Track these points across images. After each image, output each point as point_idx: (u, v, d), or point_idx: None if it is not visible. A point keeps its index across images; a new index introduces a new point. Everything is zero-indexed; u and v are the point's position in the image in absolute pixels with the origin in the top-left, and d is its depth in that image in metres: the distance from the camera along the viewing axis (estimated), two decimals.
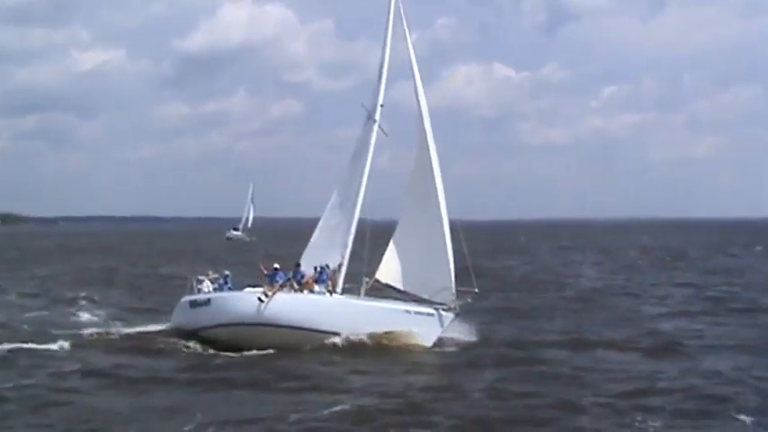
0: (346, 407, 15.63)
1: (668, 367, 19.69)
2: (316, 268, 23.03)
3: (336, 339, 21.48)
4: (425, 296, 22.25)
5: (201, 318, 23.02)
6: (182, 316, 23.85)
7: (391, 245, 24.33)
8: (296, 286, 22.64)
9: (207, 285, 23.98)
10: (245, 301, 22.41)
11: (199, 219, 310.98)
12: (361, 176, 24.61)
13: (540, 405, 16.07)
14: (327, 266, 23.06)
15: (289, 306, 21.91)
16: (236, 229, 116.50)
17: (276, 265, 23.00)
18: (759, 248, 75.37)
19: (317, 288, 22.60)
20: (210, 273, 24.50)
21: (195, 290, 23.85)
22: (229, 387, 17.70)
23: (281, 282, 22.51)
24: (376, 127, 24.99)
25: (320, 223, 26.29)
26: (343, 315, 21.93)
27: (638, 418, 14.80)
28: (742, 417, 15.01)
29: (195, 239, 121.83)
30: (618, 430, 14.40)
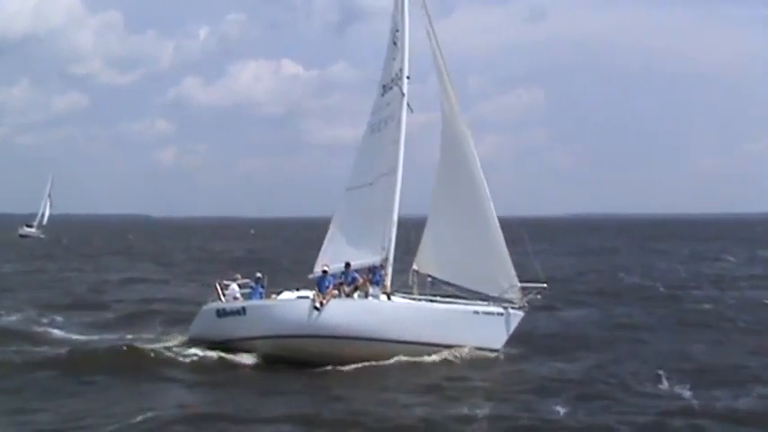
0: None
1: None
2: (371, 269, 20.59)
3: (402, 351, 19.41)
4: (495, 293, 20.32)
5: (234, 328, 20.13)
6: (206, 326, 20.83)
7: (429, 233, 22.07)
8: (346, 290, 20.14)
9: (234, 290, 21.02)
10: (293, 310, 19.74)
11: None
12: (395, 159, 22.10)
13: None
14: (381, 266, 20.68)
15: (348, 314, 19.41)
16: (29, 226, 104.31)
17: (326, 267, 20.32)
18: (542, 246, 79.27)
19: (371, 290, 20.19)
20: (239, 276, 21.45)
21: (222, 296, 20.86)
22: None
23: (331, 286, 19.94)
24: (405, 102, 22.43)
25: (342, 209, 23.62)
26: (409, 320, 19.72)
27: None
28: None
29: None
30: None
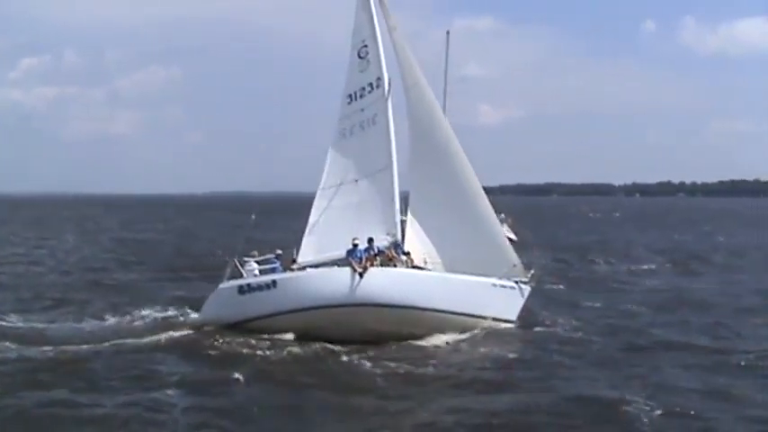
0: None
1: None
2: (396, 245, 21.00)
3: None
4: (498, 275, 21.41)
5: (261, 305, 19.30)
6: (225, 306, 19.65)
7: (412, 220, 22.56)
8: (377, 261, 20.27)
9: (254, 267, 20.16)
10: (333, 279, 19.41)
11: None
12: (388, 154, 23.03)
13: None
14: (403, 247, 21.19)
15: (391, 282, 19.50)
16: None
17: (356, 240, 20.29)
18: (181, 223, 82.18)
19: (399, 264, 20.54)
20: (256, 253, 20.56)
21: (244, 273, 19.87)
22: None
23: (364, 257, 19.95)
24: (390, 105, 23.70)
25: (320, 206, 23.55)
26: (444, 290, 20.12)
27: None
28: None
29: None
30: None
